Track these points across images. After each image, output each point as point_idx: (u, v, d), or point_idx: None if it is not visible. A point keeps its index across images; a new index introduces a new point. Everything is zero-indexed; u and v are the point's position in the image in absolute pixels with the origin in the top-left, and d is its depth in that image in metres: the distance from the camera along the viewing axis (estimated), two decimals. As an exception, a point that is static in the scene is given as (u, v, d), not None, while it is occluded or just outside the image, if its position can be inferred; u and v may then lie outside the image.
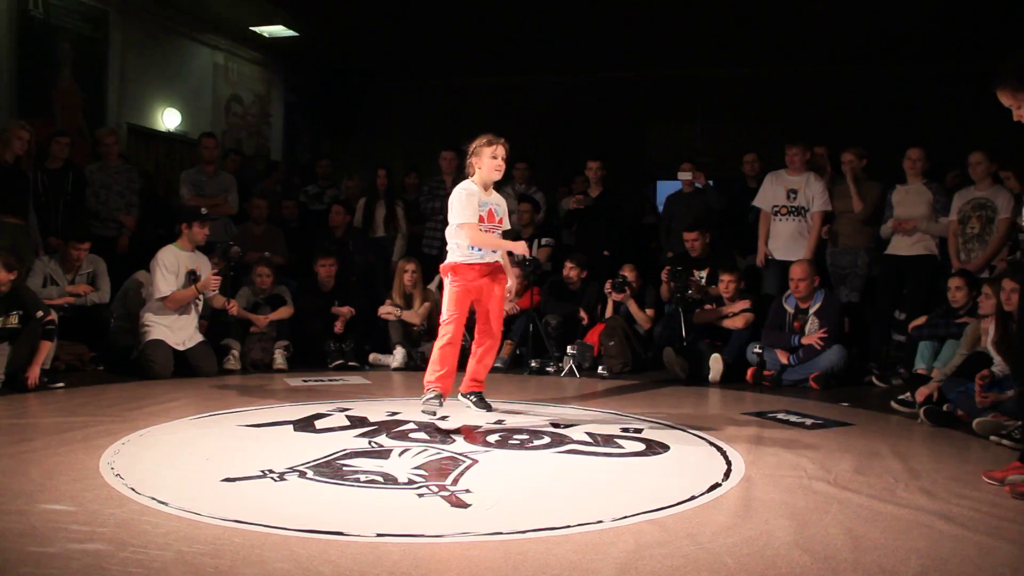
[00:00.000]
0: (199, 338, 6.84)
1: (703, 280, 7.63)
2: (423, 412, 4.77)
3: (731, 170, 9.00)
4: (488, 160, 4.99)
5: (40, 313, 6.06)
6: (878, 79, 11.02)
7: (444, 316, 4.92)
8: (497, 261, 5.07)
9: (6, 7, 8.32)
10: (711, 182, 8.45)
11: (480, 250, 4.95)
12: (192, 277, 6.76)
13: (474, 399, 5.04)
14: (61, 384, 5.99)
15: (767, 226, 7.63)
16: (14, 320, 5.96)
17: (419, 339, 7.64)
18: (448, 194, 8.56)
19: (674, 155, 9.32)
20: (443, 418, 4.98)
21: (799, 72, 11.17)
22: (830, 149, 8.04)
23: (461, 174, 8.72)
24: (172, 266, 6.73)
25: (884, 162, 7.67)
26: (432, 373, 4.82)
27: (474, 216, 4.89)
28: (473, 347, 5.15)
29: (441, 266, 5.09)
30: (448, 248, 5.07)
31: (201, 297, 6.87)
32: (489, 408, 5.04)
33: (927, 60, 10.57)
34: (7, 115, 8.07)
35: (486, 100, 12.34)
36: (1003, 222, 6.61)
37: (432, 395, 4.75)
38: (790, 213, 7.57)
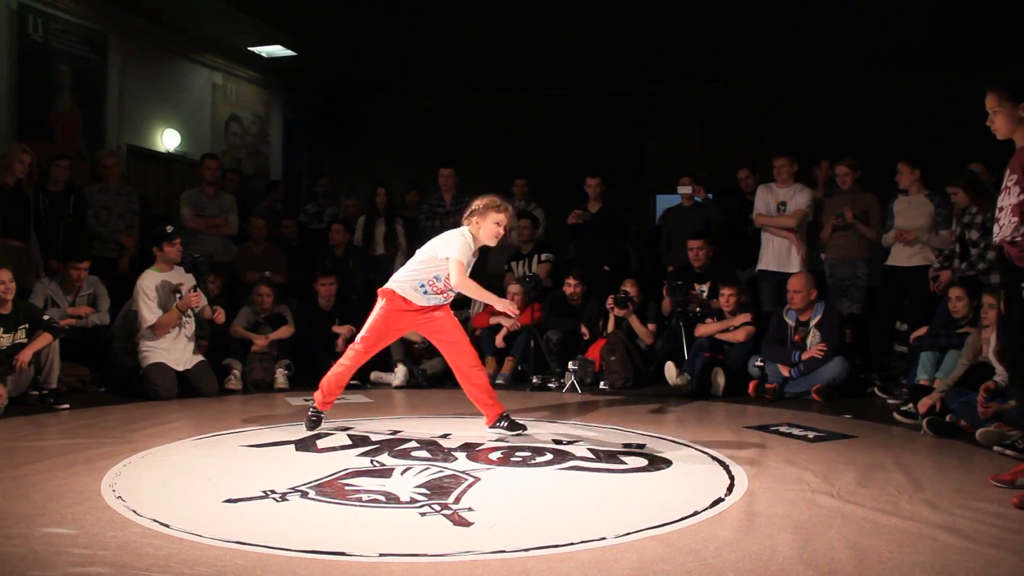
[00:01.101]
0: (198, 358, 6.83)
1: (704, 294, 7.64)
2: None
3: (729, 183, 9.02)
4: (491, 225, 4.92)
5: (47, 316, 6.25)
6: (875, 90, 11.03)
7: (361, 335, 5.07)
8: (443, 305, 5.07)
9: (5, 30, 8.36)
10: (710, 195, 8.47)
11: (428, 294, 4.94)
12: (178, 294, 6.70)
13: (505, 424, 5.06)
14: (66, 406, 6.00)
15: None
16: (21, 335, 6.03)
17: (420, 357, 7.63)
18: (448, 211, 8.74)
19: (672, 169, 9.34)
20: (445, 435, 4.98)
21: (796, 84, 11.19)
22: (830, 159, 8.10)
23: (460, 191, 8.85)
24: (152, 292, 6.69)
25: (882, 172, 7.69)
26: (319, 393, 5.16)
27: (468, 261, 4.90)
28: (463, 384, 5.16)
29: (381, 289, 5.10)
30: (399, 273, 5.07)
31: (190, 314, 6.80)
32: (523, 428, 5.07)
33: (923, 71, 10.59)
34: (7, 138, 8.10)
35: (485, 117, 12.38)
36: None
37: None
38: None
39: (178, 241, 6.86)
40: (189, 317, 6.82)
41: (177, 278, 6.81)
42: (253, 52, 11.11)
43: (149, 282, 6.72)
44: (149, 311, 6.65)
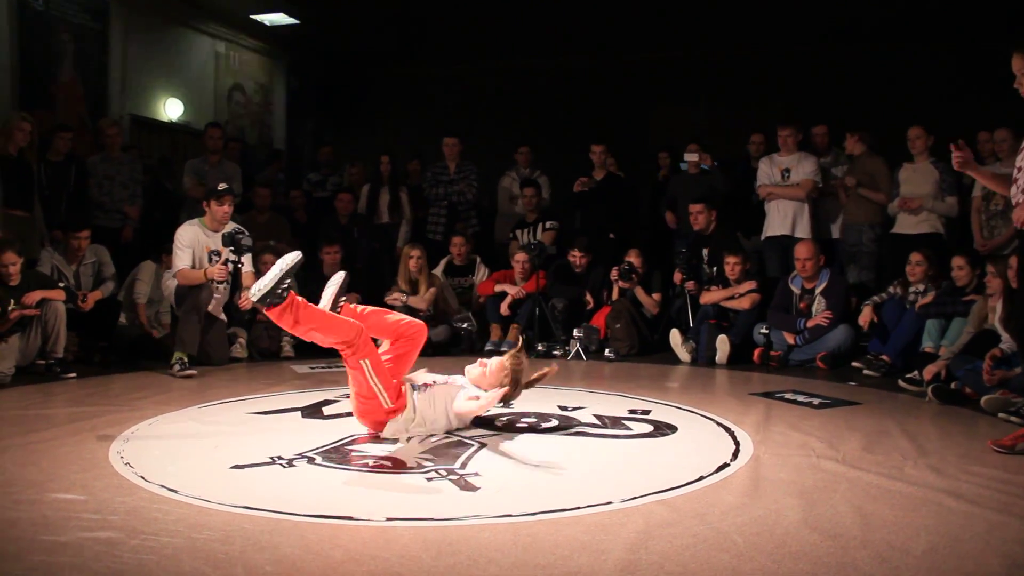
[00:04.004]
0: (221, 316, 6.75)
1: (704, 258, 7.62)
2: None
3: (734, 151, 8.98)
4: None
5: (63, 284, 6.28)
6: (881, 58, 10.94)
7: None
8: None
9: (6, 0, 8.30)
10: (717, 163, 8.44)
11: None
12: (215, 256, 6.36)
13: None
14: (73, 375, 6.01)
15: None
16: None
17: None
18: (452, 179, 8.73)
19: (678, 137, 9.29)
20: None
21: (802, 53, 11.10)
22: (835, 128, 8.06)
23: (464, 159, 8.83)
24: (187, 242, 6.44)
25: (890, 140, 7.66)
26: None
27: None
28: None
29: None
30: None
31: (219, 287, 6.52)
32: None
33: (931, 39, 10.50)
34: (8, 108, 8.06)
35: (488, 85, 12.31)
36: None
37: None
38: None
39: (228, 201, 6.56)
40: (217, 287, 6.50)
41: (219, 244, 6.45)
42: (256, 20, 11.05)
43: (187, 233, 6.47)
44: (179, 259, 6.40)
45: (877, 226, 7.51)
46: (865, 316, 6.62)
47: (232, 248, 6.36)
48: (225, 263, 6.36)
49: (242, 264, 6.50)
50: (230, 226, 6.62)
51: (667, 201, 8.62)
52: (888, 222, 7.49)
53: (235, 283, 6.67)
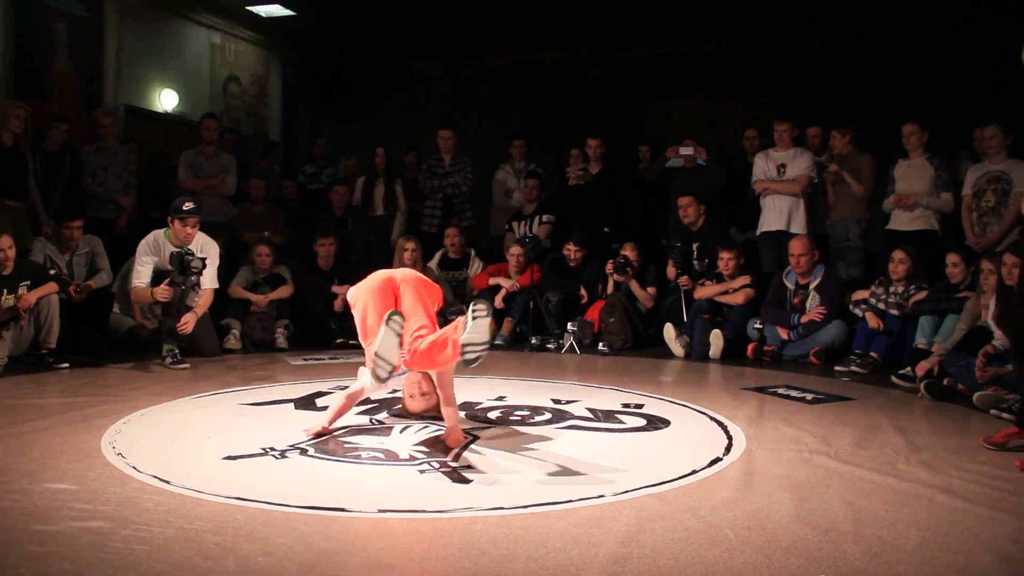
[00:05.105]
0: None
1: (693, 254, 7.61)
2: None
3: (731, 147, 8.98)
4: None
5: (54, 271, 6.23)
6: (876, 53, 10.94)
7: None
8: None
9: (0, -11, 8.27)
10: (712, 157, 8.44)
11: None
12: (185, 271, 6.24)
13: None
14: (66, 365, 5.99)
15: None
16: (24, 292, 5.97)
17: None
18: (447, 172, 8.71)
19: (674, 132, 9.27)
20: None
21: (798, 48, 11.10)
22: (830, 123, 8.06)
23: (459, 152, 8.81)
24: (146, 257, 6.37)
25: (884, 137, 7.66)
26: None
27: None
28: None
29: None
30: None
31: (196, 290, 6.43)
32: None
33: (926, 34, 10.50)
34: (3, 97, 8.02)
35: (485, 78, 12.28)
36: (1019, 195, 6.49)
37: None
38: None
39: (192, 223, 6.34)
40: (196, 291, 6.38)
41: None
42: (252, 12, 11.01)
43: (149, 246, 6.40)
44: (136, 274, 6.38)
45: (863, 221, 7.52)
46: (872, 320, 6.55)
47: (179, 270, 6.20)
48: (170, 283, 6.20)
49: (184, 287, 6.27)
50: (200, 238, 6.50)
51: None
52: (875, 217, 7.50)
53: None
